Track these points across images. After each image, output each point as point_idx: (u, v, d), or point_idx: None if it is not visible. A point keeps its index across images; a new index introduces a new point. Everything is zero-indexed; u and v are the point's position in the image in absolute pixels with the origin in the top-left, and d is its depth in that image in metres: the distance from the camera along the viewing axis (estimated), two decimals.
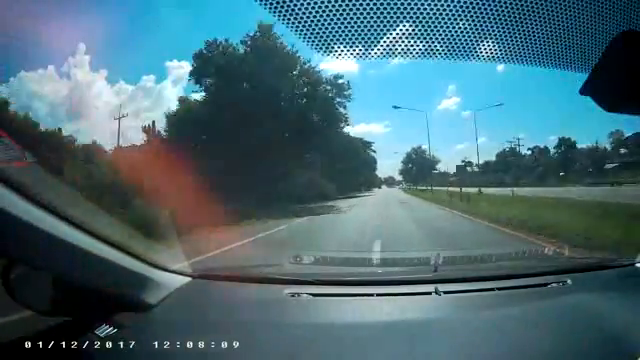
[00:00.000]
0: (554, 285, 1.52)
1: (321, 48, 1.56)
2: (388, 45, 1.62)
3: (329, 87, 19.35)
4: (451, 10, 1.44)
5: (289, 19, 1.45)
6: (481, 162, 35.49)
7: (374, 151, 33.76)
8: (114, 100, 26.48)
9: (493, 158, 42.00)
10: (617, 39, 1.14)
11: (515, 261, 2.61)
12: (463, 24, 1.47)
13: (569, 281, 1.54)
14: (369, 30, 1.50)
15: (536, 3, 1.37)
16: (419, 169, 36.74)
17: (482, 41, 1.53)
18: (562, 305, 1.35)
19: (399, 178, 45.20)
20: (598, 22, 1.37)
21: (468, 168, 24.69)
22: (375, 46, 1.62)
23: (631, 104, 1.21)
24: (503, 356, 1.06)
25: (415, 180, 39.56)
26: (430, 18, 1.46)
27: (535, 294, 1.46)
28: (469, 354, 1.06)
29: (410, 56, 1.62)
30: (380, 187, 43.13)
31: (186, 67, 28.69)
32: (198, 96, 18.86)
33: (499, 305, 1.38)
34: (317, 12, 1.43)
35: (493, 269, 2.09)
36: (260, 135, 15.82)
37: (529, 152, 41.84)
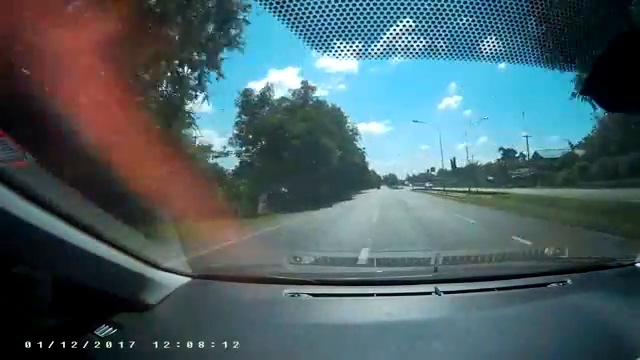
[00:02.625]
0: (554, 285, 1.52)
1: (319, 46, 1.55)
2: (388, 43, 1.61)
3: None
4: (451, 9, 1.44)
5: (287, 17, 1.44)
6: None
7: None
8: None
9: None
10: (617, 39, 1.14)
11: (515, 261, 2.61)
12: (463, 23, 1.47)
13: (569, 281, 1.54)
14: (369, 28, 1.49)
15: (537, 3, 1.37)
16: None
17: (483, 40, 1.52)
18: (562, 305, 1.35)
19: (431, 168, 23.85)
20: (598, 22, 1.37)
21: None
22: (375, 44, 1.61)
23: (631, 104, 1.21)
24: (503, 356, 1.06)
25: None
26: (431, 16, 1.46)
27: (535, 294, 1.46)
28: (469, 354, 1.06)
29: (411, 54, 1.61)
30: (379, 187, 33.98)
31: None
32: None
33: (499, 305, 1.38)
34: (315, 9, 1.41)
35: (493, 269, 2.08)
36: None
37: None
